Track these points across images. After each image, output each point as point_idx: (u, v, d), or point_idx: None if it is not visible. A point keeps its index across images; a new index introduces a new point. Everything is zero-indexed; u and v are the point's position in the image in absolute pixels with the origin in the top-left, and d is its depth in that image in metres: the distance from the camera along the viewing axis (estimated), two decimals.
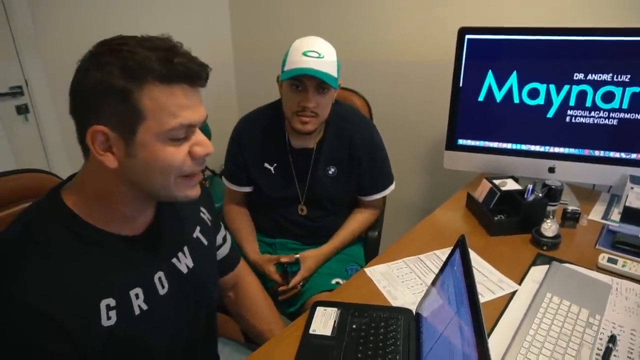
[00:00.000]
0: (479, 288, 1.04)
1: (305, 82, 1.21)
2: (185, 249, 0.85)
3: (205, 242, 0.91)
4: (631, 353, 0.86)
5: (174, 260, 0.82)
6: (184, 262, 0.83)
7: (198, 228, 0.90)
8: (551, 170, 1.42)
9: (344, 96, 1.57)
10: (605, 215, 1.37)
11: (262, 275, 1.32)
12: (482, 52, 1.42)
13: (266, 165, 1.40)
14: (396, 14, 1.83)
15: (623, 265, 1.10)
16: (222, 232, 1.03)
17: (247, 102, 2.36)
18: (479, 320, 0.64)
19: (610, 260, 1.12)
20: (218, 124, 1.89)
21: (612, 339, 0.87)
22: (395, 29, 1.85)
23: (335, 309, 0.96)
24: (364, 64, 1.92)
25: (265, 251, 1.43)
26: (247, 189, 1.46)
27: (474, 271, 1.09)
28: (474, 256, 1.17)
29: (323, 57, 1.21)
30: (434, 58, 1.72)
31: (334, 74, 1.23)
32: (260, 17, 2.23)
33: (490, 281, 1.07)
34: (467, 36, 1.41)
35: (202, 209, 0.94)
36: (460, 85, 1.46)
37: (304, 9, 2.08)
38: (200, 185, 1.01)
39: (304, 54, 1.21)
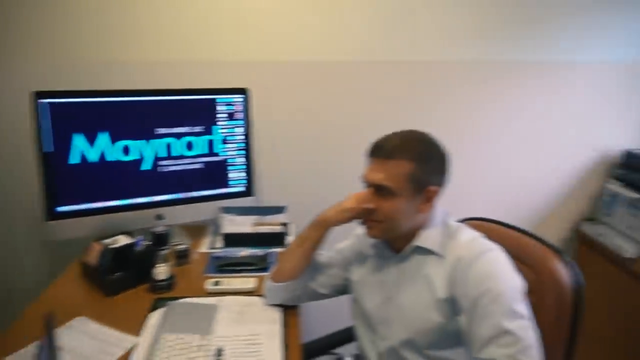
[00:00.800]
0: (99, 356, 1.00)
1: None
2: None
3: None
4: (235, 354, 1.01)
5: None
6: None
7: None
8: (159, 217, 1.53)
9: None
10: (211, 245, 1.58)
11: None
12: (65, 115, 1.39)
13: None
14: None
15: (227, 284, 1.30)
16: None
17: None
18: None
19: (216, 283, 1.30)
20: None
21: (218, 351, 1.01)
22: None
23: None
24: None
25: None
26: None
27: (90, 341, 1.05)
28: (91, 325, 1.12)
29: None
30: None
31: None
32: None
33: (110, 344, 1.05)
34: (45, 100, 1.36)
35: None
36: (49, 150, 1.38)
37: None
38: None
39: None
